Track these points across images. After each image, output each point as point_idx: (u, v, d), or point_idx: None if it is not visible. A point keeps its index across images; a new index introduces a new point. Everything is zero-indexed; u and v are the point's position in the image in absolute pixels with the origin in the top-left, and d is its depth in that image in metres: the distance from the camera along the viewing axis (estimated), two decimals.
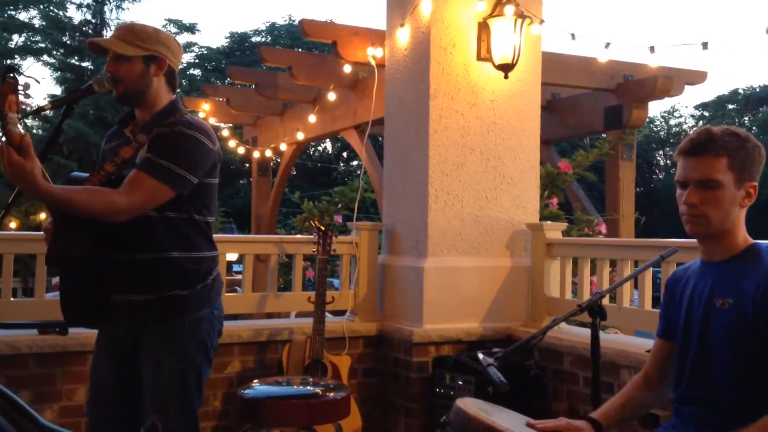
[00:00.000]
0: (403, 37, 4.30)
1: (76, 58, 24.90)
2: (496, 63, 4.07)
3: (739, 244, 1.96)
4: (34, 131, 22.24)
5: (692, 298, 2.01)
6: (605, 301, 2.46)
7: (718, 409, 1.89)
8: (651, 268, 2.81)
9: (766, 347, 1.82)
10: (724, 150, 1.89)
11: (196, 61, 30.20)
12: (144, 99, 2.41)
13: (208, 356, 2.45)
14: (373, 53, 4.72)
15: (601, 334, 2.41)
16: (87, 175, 2.35)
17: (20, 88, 2.06)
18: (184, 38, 27.77)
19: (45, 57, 24.99)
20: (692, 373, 1.97)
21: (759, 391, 1.83)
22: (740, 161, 1.91)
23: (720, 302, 1.91)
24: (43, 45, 25.16)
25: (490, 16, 4.08)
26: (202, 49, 30.77)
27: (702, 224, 1.92)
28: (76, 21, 25.17)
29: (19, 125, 2.06)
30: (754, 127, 37.96)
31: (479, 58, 4.13)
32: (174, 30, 27.17)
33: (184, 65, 28.63)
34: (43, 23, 24.92)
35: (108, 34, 24.64)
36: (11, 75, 2.07)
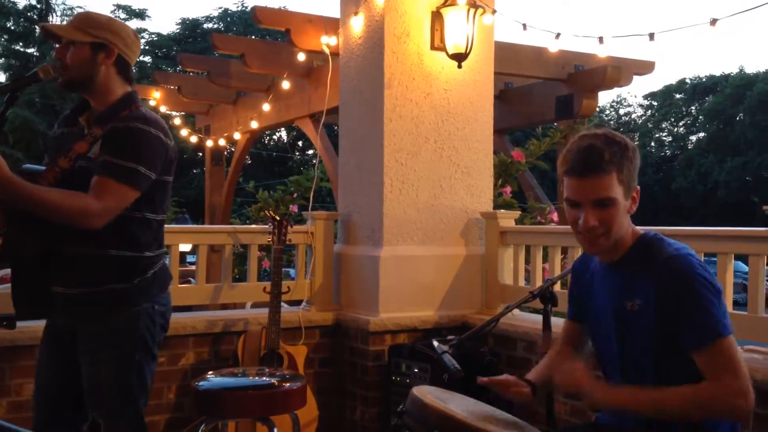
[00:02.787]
0: (357, 25, 4.29)
1: (21, 44, 24.19)
2: (450, 52, 4.09)
3: (627, 242, 1.97)
4: None
5: (601, 299, 2.04)
6: (557, 287, 2.51)
7: None
8: None
9: (682, 344, 1.84)
10: (612, 165, 1.86)
11: (147, 47, 29.58)
12: (91, 87, 2.36)
13: (149, 351, 2.39)
14: (327, 41, 4.70)
15: (554, 320, 2.46)
16: (40, 168, 2.29)
17: None
18: (133, 24, 27.16)
19: None
20: (619, 370, 2.02)
21: (684, 381, 1.87)
22: (626, 173, 1.90)
23: (630, 304, 1.94)
24: None
25: (444, 5, 4.09)
26: (153, 36, 30.16)
27: (601, 244, 1.92)
28: (20, 6, 24.42)
29: None
30: (701, 116, 38.98)
31: (433, 47, 4.15)
32: (123, 16, 26.58)
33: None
34: None
35: (54, 19, 23.98)
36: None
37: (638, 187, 1.95)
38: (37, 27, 24.12)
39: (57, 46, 2.35)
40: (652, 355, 1.92)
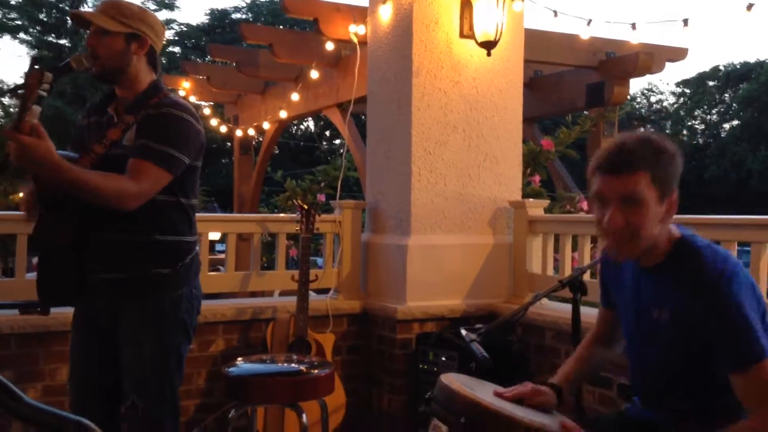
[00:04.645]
0: (385, 13, 4.27)
1: (53, 35, 24.52)
2: (479, 40, 4.06)
3: (663, 248, 1.85)
4: (12, 110, 21.91)
5: (629, 296, 1.98)
6: (586, 276, 2.49)
7: (663, 411, 1.92)
8: None
9: (719, 365, 1.78)
10: (644, 165, 1.76)
11: (176, 38, 29.79)
12: (123, 77, 2.39)
13: (187, 335, 2.45)
14: (355, 30, 4.69)
15: (583, 309, 2.45)
16: (72, 155, 2.33)
17: (44, 83, 2.09)
18: (162, 15, 27.36)
19: (21, 34, 24.58)
20: (642, 370, 1.99)
21: (703, 394, 1.84)
22: (661, 175, 1.78)
23: (657, 312, 1.87)
24: (19, 22, 24.72)
25: None
26: (182, 26, 30.37)
27: (629, 250, 1.81)
28: None
29: (36, 118, 2.07)
30: (734, 104, 38.25)
31: (462, 35, 4.12)
32: (153, 7, 26.75)
33: (164, 42, 28.18)
34: (20, 0, 24.45)
35: (86, 9, 24.28)
36: (37, 67, 2.08)
37: (677, 192, 1.82)
38: (68, 19, 24.45)
39: (89, 33, 2.36)
40: (673, 364, 1.88)
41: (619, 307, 2.08)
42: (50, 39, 24.62)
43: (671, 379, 1.89)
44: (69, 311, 3.33)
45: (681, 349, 1.84)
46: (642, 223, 1.77)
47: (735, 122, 38.46)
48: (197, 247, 2.53)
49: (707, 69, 41.29)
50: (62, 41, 24.28)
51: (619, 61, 5.89)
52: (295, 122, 27.90)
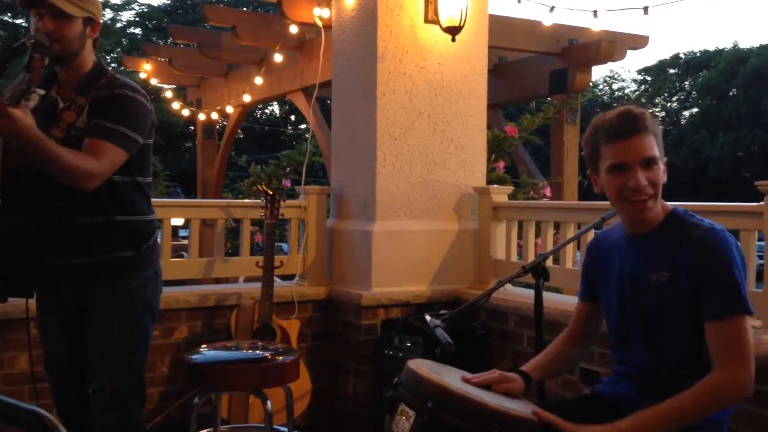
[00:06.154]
0: None
1: (9, 14, 23.83)
2: (444, 25, 4.05)
3: (659, 213, 1.97)
4: None
5: (623, 272, 2.03)
6: (549, 262, 2.52)
7: (657, 371, 1.97)
8: (593, 230, 2.88)
9: (701, 314, 1.86)
10: (651, 128, 1.91)
11: (137, 19, 29.21)
12: (75, 59, 2.38)
13: (154, 316, 2.49)
14: (320, 13, 4.65)
15: (545, 295, 2.48)
16: None
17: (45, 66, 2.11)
18: None
19: None
20: (632, 343, 2.02)
21: (697, 355, 1.90)
22: (659, 139, 1.94)
23: (656, 276, 1.94)
24: None
25: None
26: (143, 7, 29.77)
27: (650, 208, 1.92)
28: None
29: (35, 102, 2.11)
30: (694, 91, 38.93)
31: (426, 20, 4.11)
32: None
33: (124, 23, 27.67)
34: None
35: None
36: (42, 49, 2.12)
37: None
38: None
39: (43, 16, 2.30)
40: (667, 326, 1.93)
41: (604, 293, 2.11)
42: (6, 18, 23.93)
43: (669, 334, 1.94)
44: (30, 299, 3.26)
45: (678, 306, 1.90)
46: (659, 181, 1.91)
47: (694, 110, 39.16)
48: (159, 229, 2.55)
49: (668, 57, 41.88)
50: (18, 21, 23.61)
51: (581, 48, 5.94)
52: (259, 106, 27.63)
